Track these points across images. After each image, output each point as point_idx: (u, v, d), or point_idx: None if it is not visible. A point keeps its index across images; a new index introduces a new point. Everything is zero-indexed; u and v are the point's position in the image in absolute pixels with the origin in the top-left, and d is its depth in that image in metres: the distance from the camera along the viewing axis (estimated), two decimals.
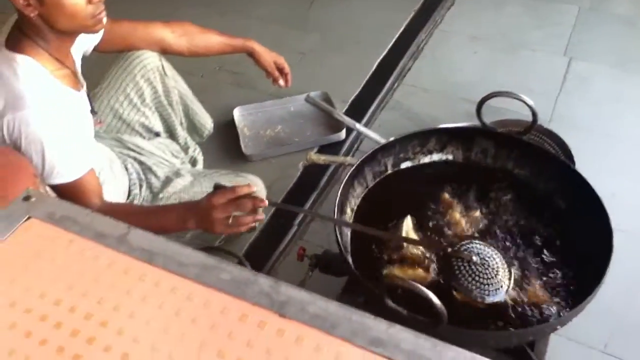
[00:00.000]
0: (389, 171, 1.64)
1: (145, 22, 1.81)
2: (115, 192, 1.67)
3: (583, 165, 1.73)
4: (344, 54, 2.75)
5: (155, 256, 0.79)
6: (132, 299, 0.72)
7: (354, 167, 1.53)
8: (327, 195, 2.17)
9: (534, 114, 1.52)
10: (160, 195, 1.77)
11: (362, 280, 1.25)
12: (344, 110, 2.41)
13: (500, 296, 1.27)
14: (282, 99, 2.42)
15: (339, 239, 1.35)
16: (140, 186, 1.78)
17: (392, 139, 1.64)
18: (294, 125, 2.36)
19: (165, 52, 1.84)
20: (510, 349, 1.31)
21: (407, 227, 1.44)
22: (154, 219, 1.51)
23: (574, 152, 1.99)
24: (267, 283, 0.77)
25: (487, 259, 1.30)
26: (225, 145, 2.27)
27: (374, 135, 2.21)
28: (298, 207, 2.04)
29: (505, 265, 1.30)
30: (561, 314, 1.23)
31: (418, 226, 1.45)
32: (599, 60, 2.69)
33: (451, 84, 2.63)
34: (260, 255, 1.94)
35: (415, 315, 1.19)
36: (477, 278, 1.29)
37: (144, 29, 1.79)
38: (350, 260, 1.33)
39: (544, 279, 1.32)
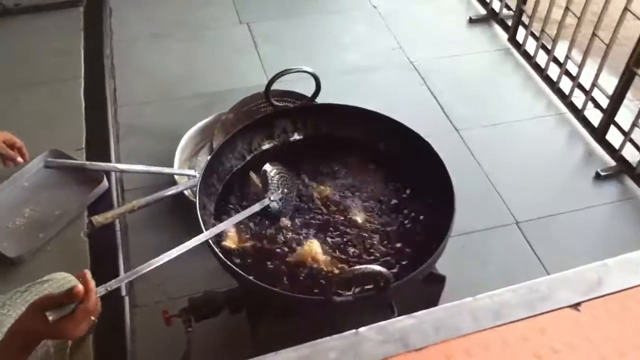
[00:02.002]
0: (220, 188, 1.58)
1: None
2: None
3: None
4: (39, 99, 2.38)
5: None
6: None
7: (197, 207, 1.42)
8: (132, 248, 1.96)
9: (317, 79, 1.64)
10: None
11: (301, 298, 1.23)
12: (85, 158, 2.14)
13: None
14: (9, 179, 2.00)
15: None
16: None
17: (208, 158, 1.57)
18: (44, 200, 2.00)
19: None
20: None
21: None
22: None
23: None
24: None
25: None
26: None
27: (140, 168, 2.04)
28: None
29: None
30: None
31: None
32: (269, 17, 2.94)
33: (164, 87, 2.56)
34: (113, 347, 1.68)
35: (361, 294, 1.25)
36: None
37: None
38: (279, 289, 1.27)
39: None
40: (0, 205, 1.96)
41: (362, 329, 0.74)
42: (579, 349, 0.70)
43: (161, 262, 1.27)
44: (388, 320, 0.75)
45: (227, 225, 1.39)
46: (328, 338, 0.74)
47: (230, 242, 1.43)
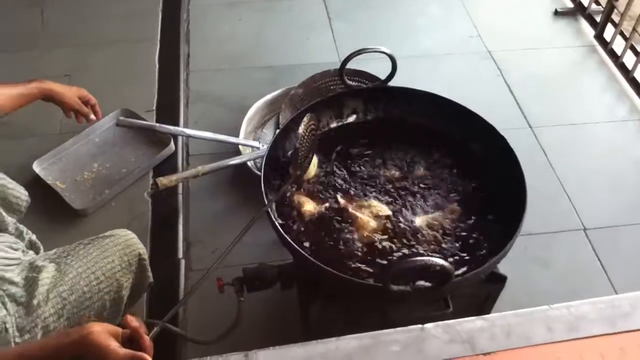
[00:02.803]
0: (284, 163, 1.57)
1: None
2: None
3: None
4: (114, 58, 2.44)
5: None
6: None
7: (262, 180, 1.42)
8: (191, 213, 1.99)
9: (393, 61, 1.59)
10: (35, 302, 1.41)
11: (357, 282, 1.21)
12: (155, 120, 2.17)
13: None
14: (82, 133, 2.07)
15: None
16: (3, 304, 1.38)
17: (276, 132, 1.56)
18: (112, 157, 2.06)
19: None
20: None
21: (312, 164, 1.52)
22: None
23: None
24: None
25: None
26: (48, 211, 1.86)
27: (207, 135, 2.05)
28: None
29: None
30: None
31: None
32: None
33: (235, 56, 2.56)
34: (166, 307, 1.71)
35: (420, 286, 1.22)
36: None
37: None
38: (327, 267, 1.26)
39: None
40: (71, 158, 2.03)
41: (428, 325, 0.72)
42: None
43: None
44: (457, 320, 0.72)
45: (279, 195, 1.42)
46: (392, 330, 0.72)
47: (310, 207, 1.44)
